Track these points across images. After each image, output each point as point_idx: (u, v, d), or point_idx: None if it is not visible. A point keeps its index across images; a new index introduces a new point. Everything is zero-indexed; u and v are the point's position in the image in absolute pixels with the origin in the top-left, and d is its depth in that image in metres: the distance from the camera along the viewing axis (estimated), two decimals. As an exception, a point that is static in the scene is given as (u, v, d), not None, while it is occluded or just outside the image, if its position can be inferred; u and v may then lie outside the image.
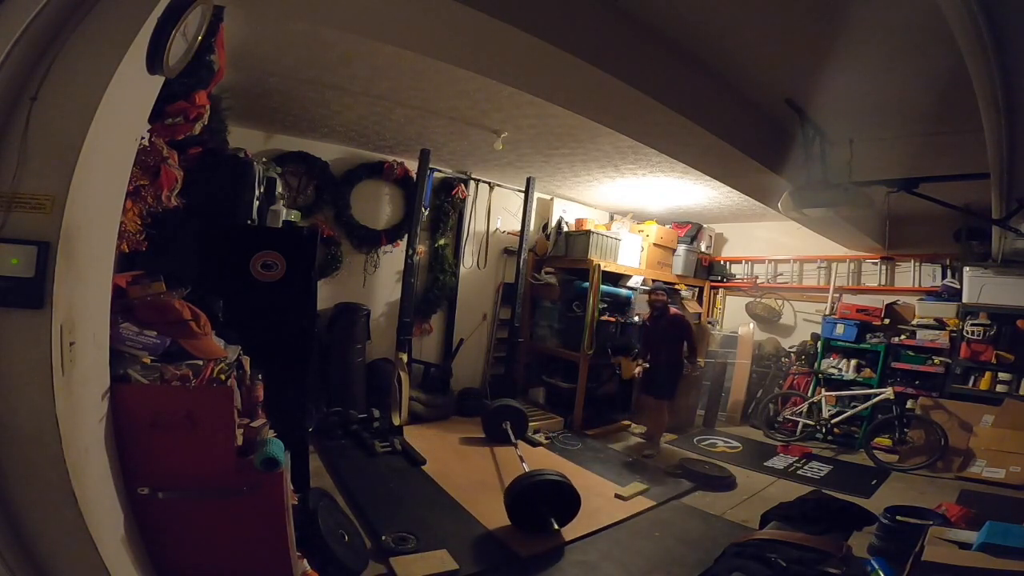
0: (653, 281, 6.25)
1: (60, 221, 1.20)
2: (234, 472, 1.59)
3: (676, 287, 6.82)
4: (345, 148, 5.21)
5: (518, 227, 6.03)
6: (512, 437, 4.65)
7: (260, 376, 2.05)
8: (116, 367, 1.50)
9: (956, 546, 2.08)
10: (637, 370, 5.22)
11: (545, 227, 6.55)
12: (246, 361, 2.08)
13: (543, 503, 3.18)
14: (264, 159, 3.52)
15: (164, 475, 1.53)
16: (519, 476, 3.31)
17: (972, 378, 5.25)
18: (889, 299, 5.98)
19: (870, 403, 5.45)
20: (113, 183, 1.50)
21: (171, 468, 1.54)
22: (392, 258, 5.58)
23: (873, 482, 4.55)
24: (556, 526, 3.16)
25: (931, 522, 2.63)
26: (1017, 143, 2.45)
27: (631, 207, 6.73)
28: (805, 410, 5.88)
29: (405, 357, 5.08)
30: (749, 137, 3.41)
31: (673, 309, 5.40)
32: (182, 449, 1.53)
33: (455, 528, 3.20)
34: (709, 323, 7.15)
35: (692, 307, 6.97)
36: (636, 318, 6.03)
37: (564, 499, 3.24)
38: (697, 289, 7.27)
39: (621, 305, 6.09)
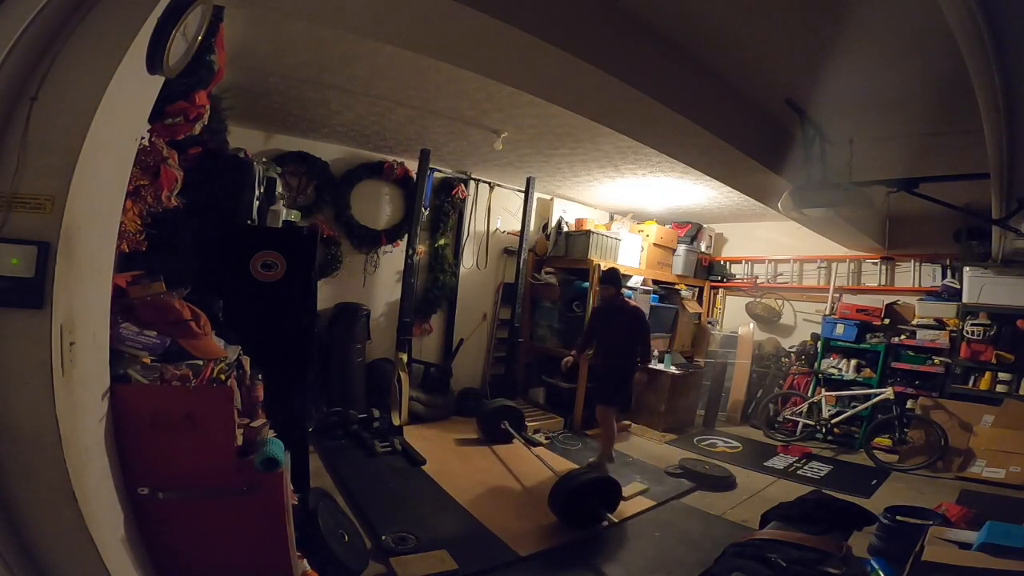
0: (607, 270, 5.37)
1: (60, 221, 1.19)
2: (234, 472, 1.58)
3: (676, 285, 6.83)
4: (345, 148, 5.20)
5: (518, 227, 6.03)
6: (516, 436, 4.66)
7: (260, 376, 2.05)
8: (116, 367, 1.49)
9: (956, 546, 2.07)
10: (567, 360, 4.74)
11: (545, 227, 6.55)
12: (246, 361, 2.07)
13: (590, 499, 3.30)
14: (264, 159, 3.52)
15: (164, 475, 1.53)
16: (565, 476, 3.44)
17: (972, 378, 5.25)
18: (889, 299, 5.98)
19: (870, 403, 5.45)
20: (113, 183, 1.50)
21: (171, 468, 1.54)
22: (392, 258, 5.58)
23: (873, 482, 4.55)
24: (614, 519, 3.31)
25: (931, 522, 2.63)
26: (1017, 143, 2.45)
27: (631, 207, 6.73)
28: (805, 410, 5.88)
29: (405, 357, 5.08)
30: (749, 137, 3.41)
31: (632, 301, 4.89)
32: (182, 449, 1.53)
33: (455, 528, 3.20)
34: (709, 323, 7.16)
35: (692, 307, 6.97)
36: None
37: (608, 493, 3.42)
38: (697, 289, 7.27)
39: (621, 305, 6.08)
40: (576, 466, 4.30)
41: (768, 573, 2.20)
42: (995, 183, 3.05)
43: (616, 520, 3.32)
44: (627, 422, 5.93)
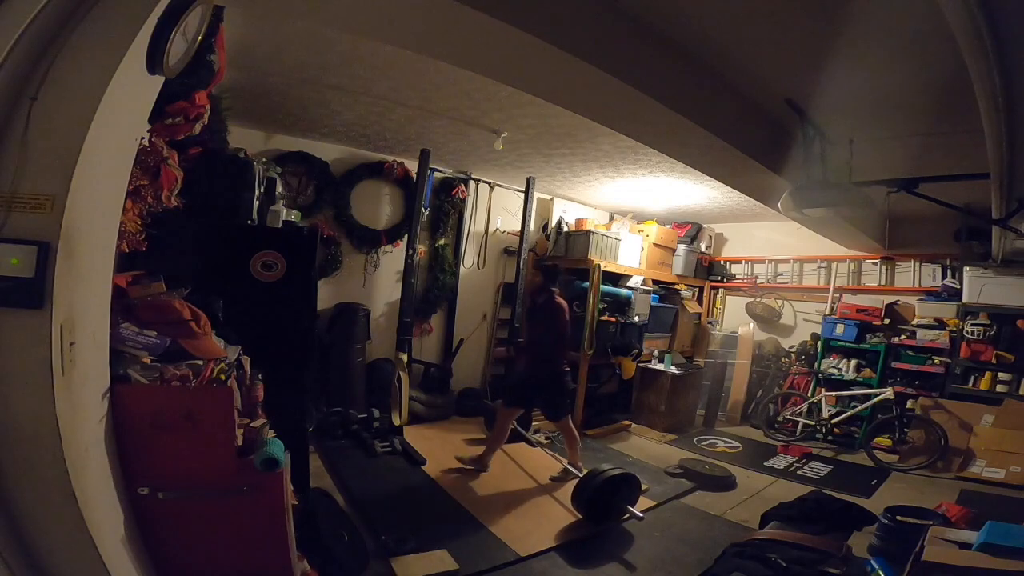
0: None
1: (60, 221, 1.19)
2: (234, 472, 1.58)
3: (676, 285, 6.82)
4: (345, 148, 5.21)
5: (518, 227, 6.03)
6: (524, 436, 4.67)
7: (260, 376, 2.05)
8: (116, 367, 1.49)
9: (956, 546, 2.07)
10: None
11: (545, 227, 6.55)
12: (246, 361, 2.07)
13: (614, 494, 3.39)
14: (264, 159, 3.51)
15: (164, 475, 1.53)
16: (588, 474, 3.50)
17: (972, 378, 5.25)
18: (889, 299, 5.99)
19: (870, 403, 5.45)
20: (113, 183, 1.50)
21: (171, 468, 1.53)
22: (392, 258, 5.58)
23: (873, 482, 4.55)
24: (639, 513, 3.39)
25: (931, 522, 2.63)
26: (1017, 143, 2.45)
27: (631, 207, 6.73)
28: (805, 410, 5.88)
29: (405, 357, 5.08)
30: (749, 137, 3.41)
31: (558, 297, 4.13)
32: (182, 449, 1.53)
33: (455, 528, 3.20)
34: (709, 323, 7.16)
35: (692, 307, 6.98)
36: (636, 318, 6.02)
37: (628, 488, 3.50)
38: (697, 289, 7.28)
39: (621, 305, 6.09)
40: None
41: (768, 573, 2.20)
42: (995, 183, 3.05)
43: (640, 513, 3.38)
44: (627, 422, 5.93)
